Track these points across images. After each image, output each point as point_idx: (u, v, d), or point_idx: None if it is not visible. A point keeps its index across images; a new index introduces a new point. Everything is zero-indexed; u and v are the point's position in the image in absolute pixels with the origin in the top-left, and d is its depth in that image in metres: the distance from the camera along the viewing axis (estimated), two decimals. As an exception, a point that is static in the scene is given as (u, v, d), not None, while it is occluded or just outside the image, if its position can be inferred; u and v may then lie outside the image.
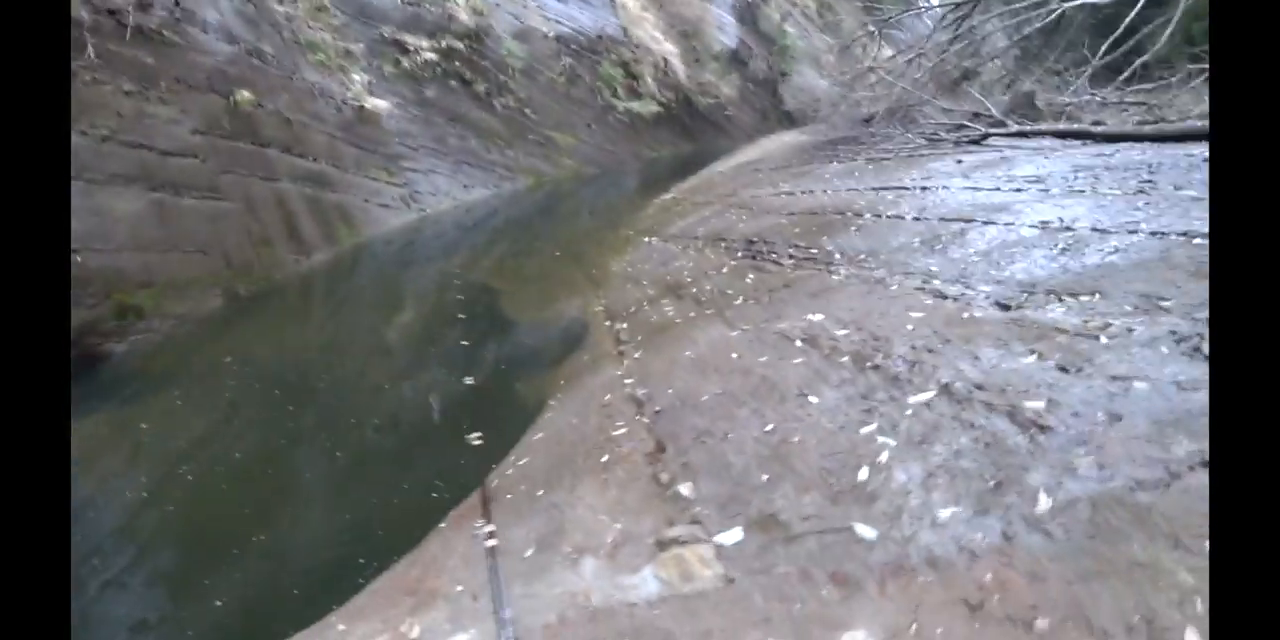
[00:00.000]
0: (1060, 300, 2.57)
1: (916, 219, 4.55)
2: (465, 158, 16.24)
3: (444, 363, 6.80)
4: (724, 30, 24.50)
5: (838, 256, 4.32)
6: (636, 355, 4.46)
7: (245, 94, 10.01)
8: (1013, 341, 2.26)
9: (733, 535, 1.79)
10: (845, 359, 2.57)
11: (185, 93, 9.25)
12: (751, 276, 4.89)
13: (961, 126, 8.74)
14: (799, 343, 2.94)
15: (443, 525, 3.65)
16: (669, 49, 21.39)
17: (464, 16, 15.43)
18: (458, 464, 4.40)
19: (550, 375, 5.67)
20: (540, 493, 2.97)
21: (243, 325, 9.19)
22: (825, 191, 7.00)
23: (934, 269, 3.41)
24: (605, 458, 2.79)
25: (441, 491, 4.09)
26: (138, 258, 8.51)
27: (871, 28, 13.14)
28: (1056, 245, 3.26)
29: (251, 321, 9.36)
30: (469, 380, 6.16)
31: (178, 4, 9.02)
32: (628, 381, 3.88)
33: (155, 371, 7.80)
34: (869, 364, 2.43)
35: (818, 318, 3.21)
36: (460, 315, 8.16)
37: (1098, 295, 2.51)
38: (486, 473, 4.03)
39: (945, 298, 2.93)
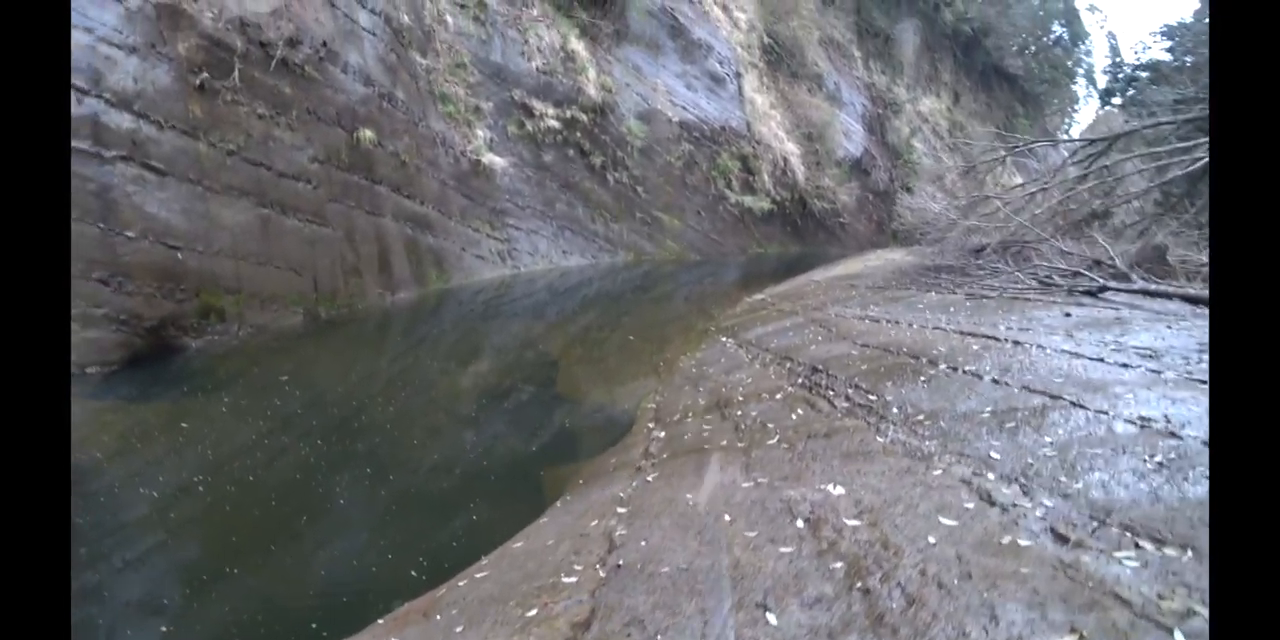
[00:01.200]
0: (1136, 545, 1.98)
1: (995, 382, 3.96)
2: (569, 224, 16.53)
3: (486, 430, 6.65)
4: (850, 137, 24.54)
5: (894, 411, 3.78)
6: (650, 477, 4.02)
7: (368, 133, 10.48)
8: (1052, 602, 1.70)
9: None
10: (838, 565, 2.05)
11: (313, 123, 9.75)
12: (799, 412, 4.40)
13: (1078, 274, 8.02)
14: (800, 523, 2.44)
15: (379, 622, 3.36)
16: (791, 149, 21.51)
17: (592, 91, 15.99)
18: (444, 546, 4.26)
19: (573, 470, 5.40)
20: (459, 629, 2.55)
21: (312, 347, 9.35)
22: (910, 325, 6.46)
23: (994, 456, 2.84)
24: (534, 612, 2.34)
25: (419, 571, 3.95)
26: (232, 265, 8.85)
27: (1001, 152, 12.60)
28: (1153, 456, 2.65)
29: (322, 345, 9.51)
30: (499, 453, 5.95)
31: (325, 45, 9.62)
32: (620, 511, 3.45)
33: (217, 374, 7.98)
34: (860, 584, 1.90)
35: (837, 492, 2.69)
36: (520, 382, 8.02)
37: (1190, 552, 1.91)
38: (452, 574, 3.74)
39: (992, 504, 2.37)
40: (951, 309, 7.17)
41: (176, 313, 8.37)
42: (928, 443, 3.14)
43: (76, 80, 7.45)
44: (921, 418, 3.55)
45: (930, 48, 33.17)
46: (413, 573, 4.01)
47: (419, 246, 12.32)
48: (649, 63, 18.47)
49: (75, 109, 7.43)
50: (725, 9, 21.36)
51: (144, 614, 3.79)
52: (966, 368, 4.36)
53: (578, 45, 16.07)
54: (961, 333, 5.63)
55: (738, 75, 20.58)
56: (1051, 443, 2.92)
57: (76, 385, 7.25)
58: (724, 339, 8.77)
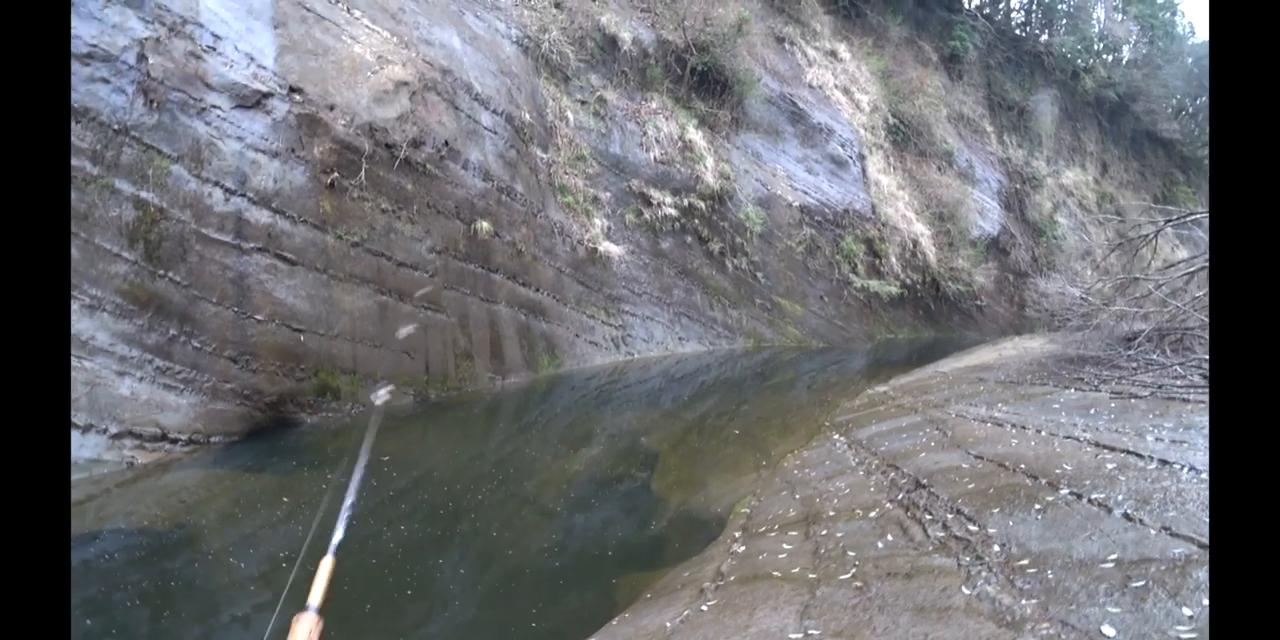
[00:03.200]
0: None
1: (1128, 517, 3.24)
2: (687, 311, 16.44)
3: (572, 527, 6.51)
4: (985, 216, 23.33)
5: (994, 550, 3.15)
6: (705, 606, 3.56)
7: (485, 224, 10.94)
8: None
9: None
10: None
11: (432, 216, 10.31)
12: (888, 538, 3.82)
13: (1257, 373, 6.80)
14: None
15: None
16: (920, 230, 20.65)
17: (710, 179, 16.14)
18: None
19: (646, 580, 5.09)
20: None
21: (419, 429, 9.55)
22: (1039, 432, 5.64)
23: (1108, 634, 2.22)
24: None
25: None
26: (349, 347, 9.30)
27: (1159, 223, 11.11)
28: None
29: (428, 427, 9.70)
30: (580, 554, 5.84)
31: (447, 144, 10.25)
32: (659, 649, 3.02)
33: (326, 450, 8.27)
34: None
35: (891, 666, 2.16)
36: (617, 477, 7.84)
37: None
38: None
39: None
40: (1092, 411, 6.25)
41: (295, 390, 8.83)
42: (1024, 601, 2.52)
43: (226, 182, 8.30)
44: (1025, 563, 2.91)
45: (1071, 117, 31.47)
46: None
47: (532, 332, 12.55)
48: (768, 148, 18.55)
49: (222, 206, 8.25)
50: (846, 92, 21.31)
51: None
52: (1094, 495, 3.63)
53: (695, 135, 16.42)
54: (1097, 445, 4.80)
55: (861, 157, 20.24)
56: (1192, 618, 2.25)
57: (201, 453, 7.77)
58: (835, 436, 8.16)
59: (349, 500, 2.26)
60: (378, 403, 3.15)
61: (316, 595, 1.92)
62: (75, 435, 7.22)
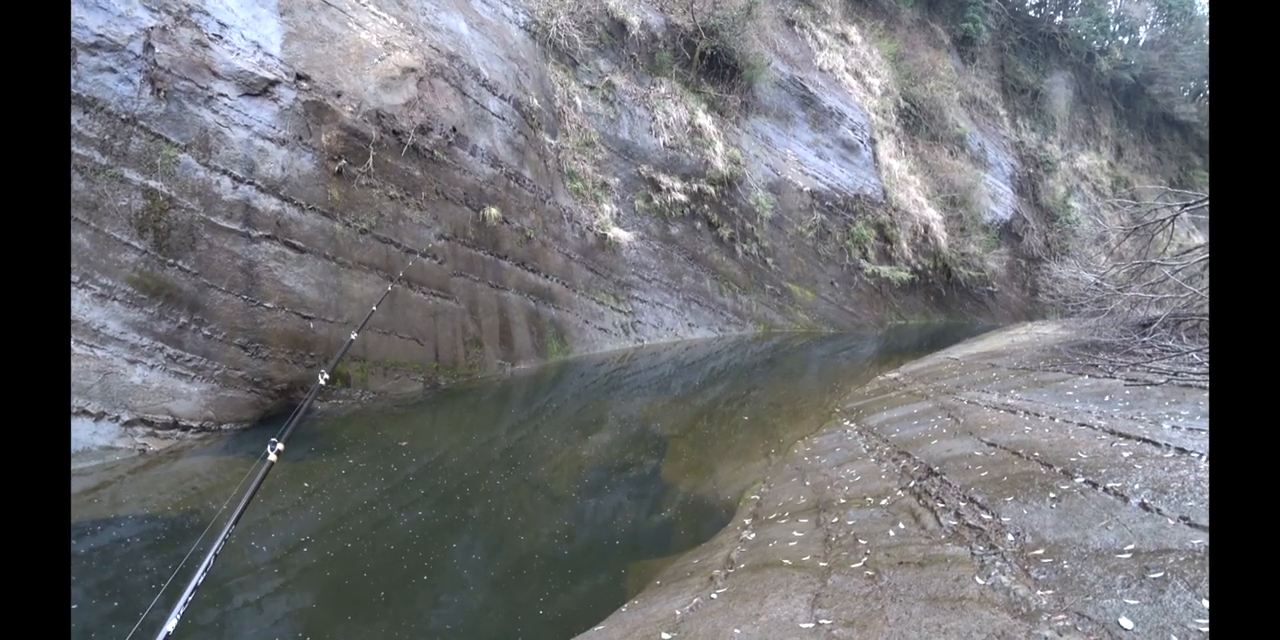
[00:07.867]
0: None
1: (1145, 507, 3.19)
2: (696, 297, 16.37)
3: (584, 513, 6.51)
4: (998, 200, 23.07)
5: (1008, 539, 3.12)
6: (715, 594, 3.55)
7: (494, 211, 10.88)
8: None
9: None
10: None
11: (441, 203, 10.27)
12: (900, 527, 3.79)
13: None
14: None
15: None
16: (932, 215, 20.44)
17: (720, 164, 16.00)
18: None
19: (657, 567, 5.10)
20: None
21: (429, 415, 9.57)
22: (1052, 420, 5.58)
23: (1124, 626, 2.18)
24: None
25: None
26: (359, 334, 9.31)
27: (1176, 208, 10.93)
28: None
29: (439, 413, 9.72)
30: (591, 541, 5.81)
31: (454, 130, 10.18)
32: (665, 637, 3.01)
33: (339, 436, 8.31)
34: None
35: (905, 657, 2.14)
36: (628, 464, 7.83)
37: None
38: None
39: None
40: (1106, 398, 6.18)
41: (305, 377, 8.85)
42: (1039, 592, 2.49)
43: (234, 170, 8.28)
44: (1040, 552, 2.88)
45: (1086, 100, 31.03)
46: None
47: (541, 319, 12.52)
48: (778, 133, 18.37)
49: (230, 195, 8.23)
50: (857, 75, 21.04)
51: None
52: (1110, 484, 3.58)
53: (705, 119, 16.26)
54: (1112, 432, 4.75)
55: (872, 142, 20.01)
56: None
57: (212, 441, 7.81)
58: (846, 423, 8.13)
59: (197, 578, 1.73)
60: (271, 457, 2.70)
61: None
62: (88, 423, 7.26)
